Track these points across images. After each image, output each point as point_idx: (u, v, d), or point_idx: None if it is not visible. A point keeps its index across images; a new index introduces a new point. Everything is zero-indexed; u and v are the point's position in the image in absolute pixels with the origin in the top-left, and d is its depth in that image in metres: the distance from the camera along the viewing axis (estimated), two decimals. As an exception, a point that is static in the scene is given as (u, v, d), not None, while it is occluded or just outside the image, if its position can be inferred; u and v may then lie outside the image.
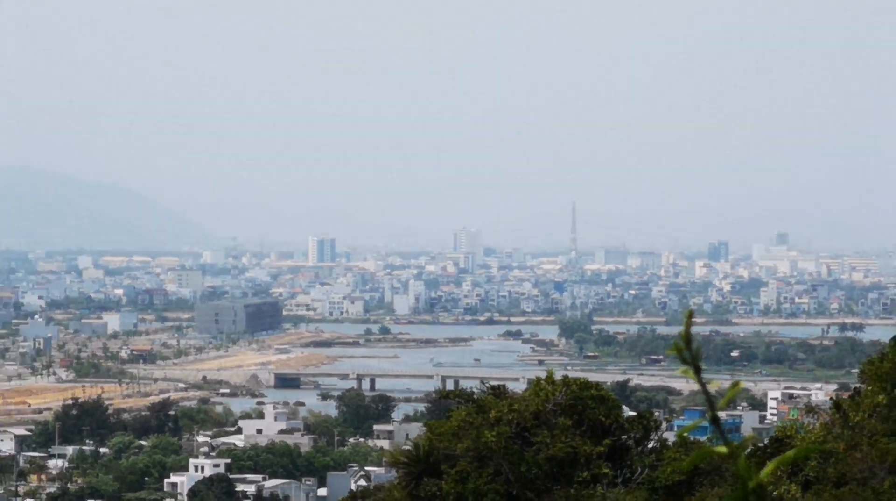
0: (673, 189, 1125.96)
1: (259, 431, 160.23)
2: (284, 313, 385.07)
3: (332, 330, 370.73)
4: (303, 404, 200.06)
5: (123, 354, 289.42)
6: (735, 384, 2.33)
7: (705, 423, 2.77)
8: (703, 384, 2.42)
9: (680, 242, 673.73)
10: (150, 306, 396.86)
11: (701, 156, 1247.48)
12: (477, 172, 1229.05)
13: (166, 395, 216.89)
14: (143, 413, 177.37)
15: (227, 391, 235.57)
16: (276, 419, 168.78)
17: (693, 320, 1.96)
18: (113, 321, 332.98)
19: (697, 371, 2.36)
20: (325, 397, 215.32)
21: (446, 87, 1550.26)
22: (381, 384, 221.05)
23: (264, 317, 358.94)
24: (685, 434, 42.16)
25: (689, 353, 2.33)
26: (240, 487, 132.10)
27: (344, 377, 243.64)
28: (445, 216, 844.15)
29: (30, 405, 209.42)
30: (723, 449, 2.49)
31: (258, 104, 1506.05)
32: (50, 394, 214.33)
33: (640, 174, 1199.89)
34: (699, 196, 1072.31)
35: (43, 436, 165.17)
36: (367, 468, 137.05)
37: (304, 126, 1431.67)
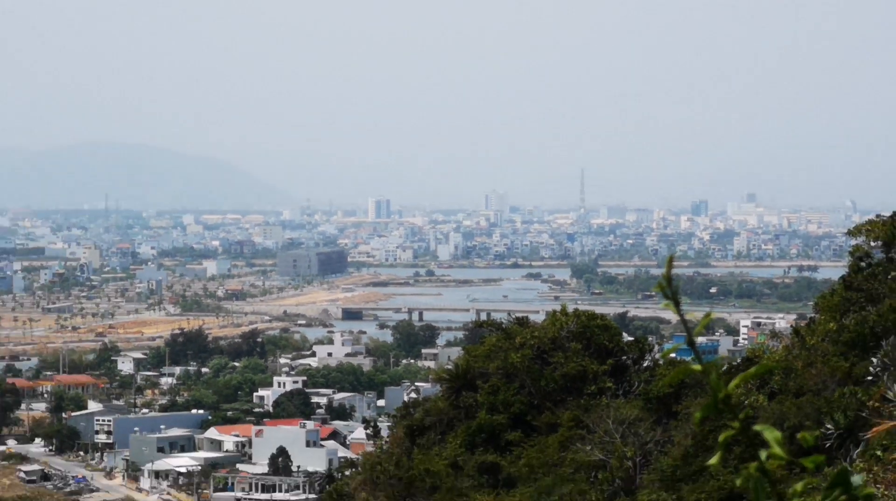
0: (663, 157, 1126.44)
1: (329, 354, 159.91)
2: (349, 259, 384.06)
3: (387, 273, 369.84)
4: (364, 332, 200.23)
5: (220, 293, 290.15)
6: (707, 315, 2.32)
7: (685, 346, 2.81)
8: (681, 315, 2.47)
9: (668, 200, 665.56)
10: (240, 254, 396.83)
11: (685, 129, 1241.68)
12: (504, 143, 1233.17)
13: (254, 326, 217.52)
14: (236, 340, 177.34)
15: (304, 322, 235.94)
16: (343, 344, 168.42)
17: (676, 263, 2.00)
18: (211, 267, 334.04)
19: (676, 305, 2.43)
20: (382, 326, 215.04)
21: (481, 73, 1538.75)
22: (427, 316, 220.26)
23: (333, 263, 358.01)
24: (669, 355, 41.04)
25: (670, 290, 2.40)
26: (314, 399, 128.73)
27: (397, 310, 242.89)
28: (479, 180, 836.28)
29: (144, 335, 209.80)
30: (697, 367, 2.50)
31: (326, 89, 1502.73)
32: (161, 325, 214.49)
33: (636, 144, 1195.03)
34: (684, 163, 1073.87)
35: (156, 359, 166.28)
36: (416, 383, 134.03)
37: (364, 106, 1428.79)
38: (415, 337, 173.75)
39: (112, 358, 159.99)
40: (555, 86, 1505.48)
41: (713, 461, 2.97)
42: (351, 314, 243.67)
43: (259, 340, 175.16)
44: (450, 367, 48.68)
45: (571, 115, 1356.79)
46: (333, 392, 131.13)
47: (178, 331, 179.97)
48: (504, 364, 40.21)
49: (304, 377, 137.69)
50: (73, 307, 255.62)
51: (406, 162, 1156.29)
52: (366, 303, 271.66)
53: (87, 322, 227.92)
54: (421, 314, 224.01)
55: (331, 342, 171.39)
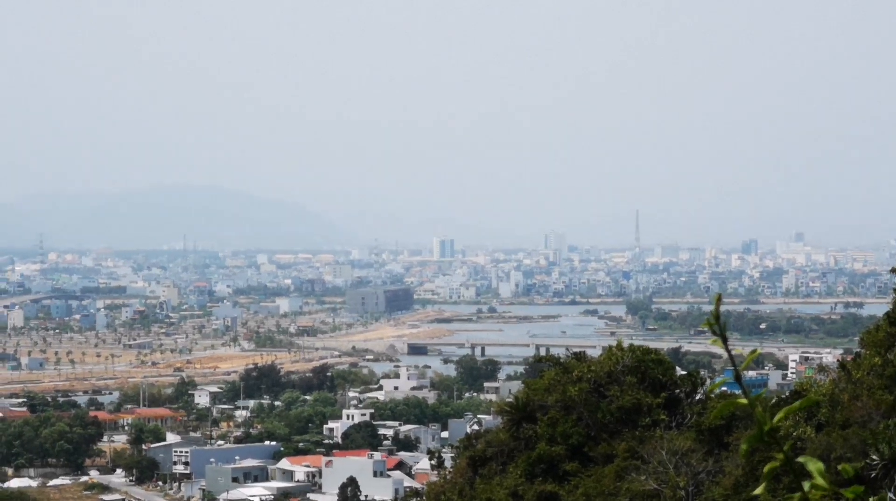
0: (714, 198, 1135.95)
1: (395, 388, 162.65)
2: (414, 297, 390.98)
3: (451, 310, 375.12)
4: (429, 367, 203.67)
5: (291, 329, 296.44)
6: (753, 351, 2.57)
7: (733, 380, 2.84)
8: (728, 350, 2.47)
9: (719, 240, 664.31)
10: (311, 292, 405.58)
11: (737, 171, 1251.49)
12: (563, 185, 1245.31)
13: (324, 361, 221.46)
14: (307, 375, 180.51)
15: (371, 357, 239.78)
16: (408, 378, 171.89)
17: (727, 300, 2.12)
18: (283, 304, 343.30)
19: (724, 340, 2.43)
20: (446, 361, 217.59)
21: (539, 119, 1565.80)
22: (489, 351, 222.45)
23: (399, 300, 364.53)
24: (718, 388, 41.67)
25: (718, 327, 2.39)
26: (381, 431, 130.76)
27: (460, 345, 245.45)
28: (538, 221, 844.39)
29: (220, 369, 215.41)
30: (744, 400, 2.58)
31: (391, 135, 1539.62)
32: (236, 360, 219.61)
33: (689, 185, 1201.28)
34: (735, 204, 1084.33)
35: (231, 393, 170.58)
36: (479, 416, 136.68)
37: (428, 151, 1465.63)
38: (477, 371, 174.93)
39: (189, 392, 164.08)
40: (611, 129, 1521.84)
41: (759, 490, 2.95)
42: (416, 349, 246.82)
43: (329, 374, 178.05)
44: (510, 400, 49.58)
45: (627, 156, 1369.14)
46: (399, 424, 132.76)
47: (252, 366, 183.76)
48: (562, 397, 41.21)
49: (372, 410, 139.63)
50: (153, 343, 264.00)
51: (469, 203, 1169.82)
52: (430, 339, 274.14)
53: (165, 358, 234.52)
54: (483, 350, 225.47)
55: (397, 376, 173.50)
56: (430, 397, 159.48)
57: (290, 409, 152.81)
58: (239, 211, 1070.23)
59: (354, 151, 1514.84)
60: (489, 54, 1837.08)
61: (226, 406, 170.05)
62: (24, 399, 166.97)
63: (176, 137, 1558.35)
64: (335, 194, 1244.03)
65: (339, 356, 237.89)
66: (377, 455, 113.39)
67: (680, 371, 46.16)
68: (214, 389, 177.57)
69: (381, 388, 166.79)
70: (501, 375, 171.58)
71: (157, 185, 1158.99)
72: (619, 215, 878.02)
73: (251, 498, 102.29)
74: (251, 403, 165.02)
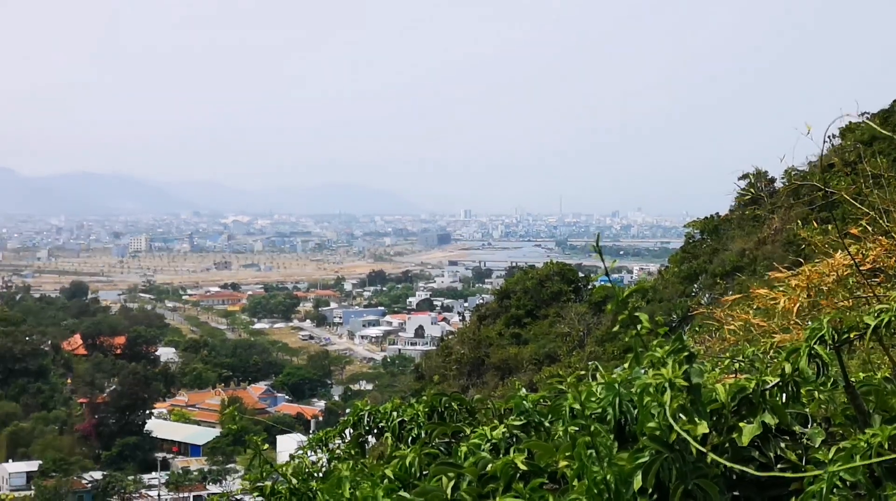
0: (597, 181, 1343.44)
1: (442, 281, 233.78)
2: (452, 238, 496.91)
3: (469, 244, 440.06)
4: (458, 271, 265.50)
5: (391, 252, 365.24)
6: (613, 261, 3.36)
7: (605, 277, 3.30)
8: (603, 261, 2.61)
9: (603, 208, 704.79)
10: (401, 234, 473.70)
11: (618, 164, 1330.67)
12: (523, 168, 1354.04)
13: (408, 268, 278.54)
14: (399, 274, 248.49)
15: (431, 266, 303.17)
16: (448, 276, 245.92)
17: (602, 239, 2.97)
18: (388, 240, 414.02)
19: (601, 257, 2.60)
20: (467, 269, 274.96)
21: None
22: (488, 265, 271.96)
23: (444, 240, 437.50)
24: (597, 280, 59.10)
25: (598, 250, 2.61)
26: (435, 303, 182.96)
27: (474, 262, 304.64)
28: (512, 195, 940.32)
29: (356, 272, 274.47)
30: (611, 287, 2.69)
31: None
32: (365, 267, 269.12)
33: (587, 172, 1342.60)
34: (608, 186, 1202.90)
35: (361, 283, 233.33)
36: (483, 296, 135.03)
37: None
38: (482, 274, 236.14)
39: (342, 282, 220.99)
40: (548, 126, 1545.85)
41: (616, 328, 3.23)
42: (452, 263, 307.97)
43: (410, 274, 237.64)
44: (498, 288, 61.77)
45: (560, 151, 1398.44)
46: (444, 300, 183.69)
47: (372, 271, 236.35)
48: (523, 286, 48.42)
49: (430, 292, 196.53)
50: (324, 259, 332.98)
51: (475, 179, 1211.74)
52: (459, 258, 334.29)
53: (329, 266, 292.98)
54: (484, 264, 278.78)
55: (443, 275, 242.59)
56: (459, 286, 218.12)
57: (391, 291, 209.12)
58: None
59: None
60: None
61: (358, 289, 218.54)
62: (263, 285, 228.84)
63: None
64: (409, 176, 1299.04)
65: (415, 266, 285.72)
66: (433, 314, 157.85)
67: (581, 274, 54.39)
68: (354, 281, 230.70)
69: (434, 281, 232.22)
70: (494, 276, 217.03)
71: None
72: (550, 191, 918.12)
73: (371, 333, 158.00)
74: (372, 288, 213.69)
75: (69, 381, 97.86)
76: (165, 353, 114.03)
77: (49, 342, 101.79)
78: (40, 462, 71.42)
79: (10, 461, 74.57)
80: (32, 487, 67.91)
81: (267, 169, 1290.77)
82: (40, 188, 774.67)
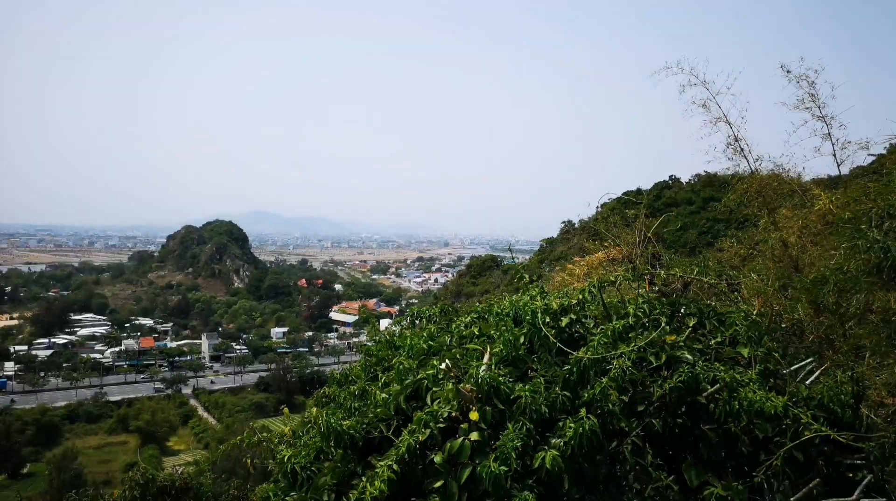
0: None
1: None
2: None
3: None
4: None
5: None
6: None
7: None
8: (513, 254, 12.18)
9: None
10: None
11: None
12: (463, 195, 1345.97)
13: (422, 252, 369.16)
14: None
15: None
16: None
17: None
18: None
19: (511, 251, 12.10)
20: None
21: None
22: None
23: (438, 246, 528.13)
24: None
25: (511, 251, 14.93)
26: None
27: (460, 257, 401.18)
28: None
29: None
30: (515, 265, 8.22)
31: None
32: (412, 254, 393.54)
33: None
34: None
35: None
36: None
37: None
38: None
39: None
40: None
41: (517, 281, 7.33)
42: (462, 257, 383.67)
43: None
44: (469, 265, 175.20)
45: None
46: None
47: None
48: (478, 262, 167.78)
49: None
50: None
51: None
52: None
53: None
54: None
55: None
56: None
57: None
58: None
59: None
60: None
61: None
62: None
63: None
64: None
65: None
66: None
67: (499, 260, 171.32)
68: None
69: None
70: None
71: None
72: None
73: (418, 280, 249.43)
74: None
75: (304, 302, 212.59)
76: (339, 288, 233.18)
77: (293, 281, 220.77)
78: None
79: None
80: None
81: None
82: (291, 222, 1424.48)
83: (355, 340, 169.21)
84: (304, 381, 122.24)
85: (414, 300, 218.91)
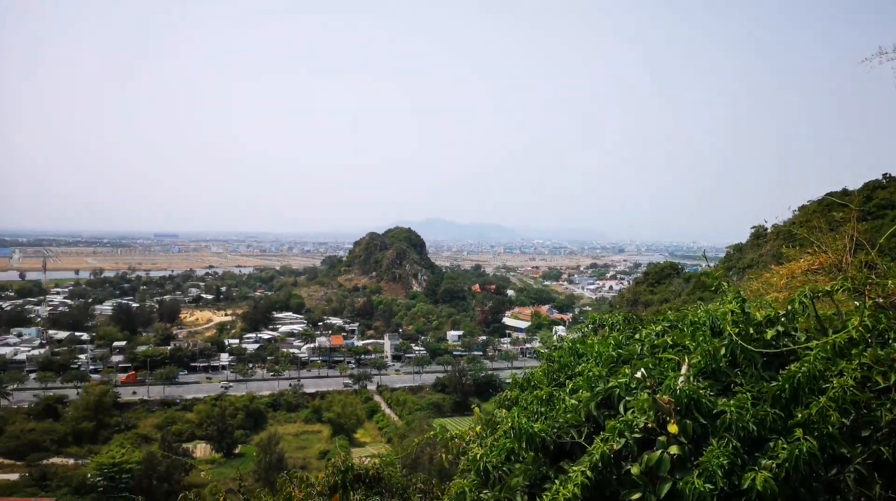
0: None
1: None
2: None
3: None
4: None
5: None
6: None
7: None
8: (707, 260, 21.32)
9: None
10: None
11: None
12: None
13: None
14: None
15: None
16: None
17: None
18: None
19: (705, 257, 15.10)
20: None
21: None
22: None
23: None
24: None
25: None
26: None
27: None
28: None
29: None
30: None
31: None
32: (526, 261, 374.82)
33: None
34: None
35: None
36: None
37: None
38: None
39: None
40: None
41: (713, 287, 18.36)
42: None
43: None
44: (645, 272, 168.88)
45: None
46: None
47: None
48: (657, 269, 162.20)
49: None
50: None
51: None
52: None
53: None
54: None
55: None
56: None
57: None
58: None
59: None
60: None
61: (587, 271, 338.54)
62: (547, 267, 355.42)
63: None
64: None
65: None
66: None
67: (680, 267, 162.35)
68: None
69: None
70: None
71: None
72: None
73: (592, 286, 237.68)
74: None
75: (478, 306, 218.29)
76: (511, 294, 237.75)
77: (467, 286, 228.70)
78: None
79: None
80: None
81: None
82: (465, 228, 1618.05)
83: (528, 345, 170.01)
84: (479, 384, 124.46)
85: (587, 308, 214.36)
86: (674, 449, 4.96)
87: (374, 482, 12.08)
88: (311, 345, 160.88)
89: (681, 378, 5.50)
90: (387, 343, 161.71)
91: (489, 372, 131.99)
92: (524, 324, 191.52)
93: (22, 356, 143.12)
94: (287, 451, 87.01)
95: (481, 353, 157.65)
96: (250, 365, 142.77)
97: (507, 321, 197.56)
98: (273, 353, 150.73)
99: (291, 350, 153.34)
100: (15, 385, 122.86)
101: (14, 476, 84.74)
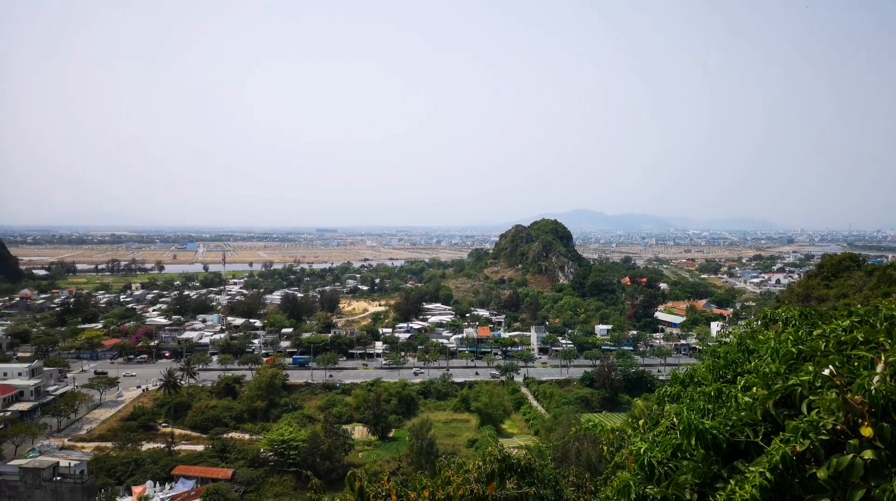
0: None
1: None
2: None
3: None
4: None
5: None
6: None
7: None
8: None
9: None
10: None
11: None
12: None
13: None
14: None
15: None
16: None
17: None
18: None
19: None
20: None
21: None
22: None
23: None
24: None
25: None
26: None
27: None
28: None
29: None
30: None
31: None
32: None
33: None
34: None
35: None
36: None
37: None
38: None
39: None
40: None
41: None
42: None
43: None
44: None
45: None
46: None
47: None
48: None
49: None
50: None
51: None
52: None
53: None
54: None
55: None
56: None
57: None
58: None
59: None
60: None
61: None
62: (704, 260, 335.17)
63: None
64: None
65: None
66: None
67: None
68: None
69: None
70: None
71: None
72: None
73: (756, 281, 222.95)
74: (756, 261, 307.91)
75: (627, 300, 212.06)
76: (664, 287, 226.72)
77: (616, 279, 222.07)
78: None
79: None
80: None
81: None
82: (613, 219, 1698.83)
83: (683, 341, 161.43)
84: (629, 380, 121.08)
85: (750, 303, 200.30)
86: (868, 454, 4.54)
87: (525, 472, 12.21)
88: (459, 336, 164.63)
89: (876, 378, 5.01)
90: (533, 336, 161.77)
91: (640, 368, 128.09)
92: (678, 319, 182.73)
93: (206, 340, 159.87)
94: (437, 438, 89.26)
95: (632, 348, 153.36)
96: (402, 354, 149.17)
97: (660, 315, 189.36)
98: (423, 342, 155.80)
99: (440, 340, 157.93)
100: (200, 366, 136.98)
101: (200, 448, 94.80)
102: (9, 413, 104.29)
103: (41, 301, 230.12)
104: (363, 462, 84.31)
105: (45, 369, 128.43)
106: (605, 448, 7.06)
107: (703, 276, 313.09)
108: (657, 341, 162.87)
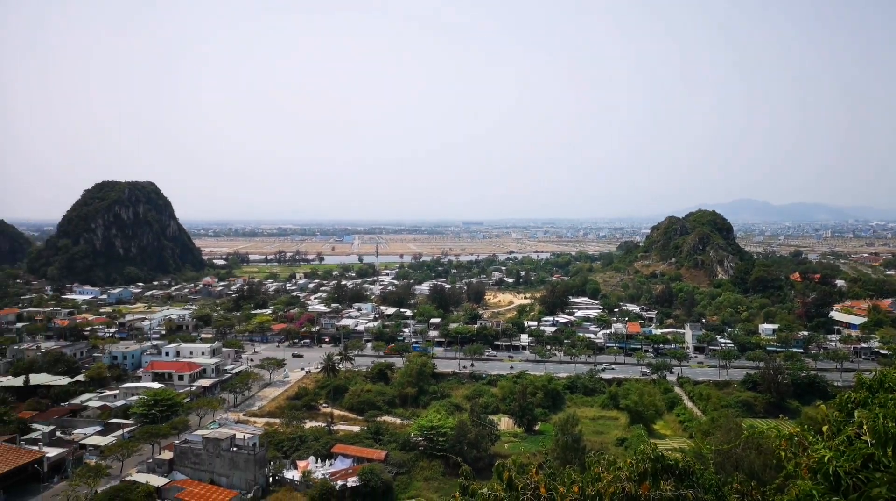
0: None
1: None
2: None
3: None
4: None
5: None
6: None
7: None
8: None
9: None
10: None
11: None
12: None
13: None
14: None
15: None
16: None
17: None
18: None
19: None
20: None
21: None
22: None
23: None
24: None
25: None
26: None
27: None
28: None
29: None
30: None
31: None
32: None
33: None
34: None
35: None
36: None
37: None
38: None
39: None
40: None
41: None
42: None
43: None
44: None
45: None
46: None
47: None
48: None
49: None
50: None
51: None
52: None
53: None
54: None
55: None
56: None
57: None
58: None
59: None
60: None
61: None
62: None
63: None
64: None
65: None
66: None
67: None
68: None
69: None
70: None
71: None
72: None
73: None
74: None
75: (797, 297, 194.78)
76: (841, 284, 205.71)
77: (783, 275, 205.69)
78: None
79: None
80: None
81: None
82: (780, 209, 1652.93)
83: (864, 345, 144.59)
84: (798, 384, 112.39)
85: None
86: None
87: (684, 475, 11.60)
88: (607, 331, 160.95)
89: None
90: (688, 333, 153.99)
91: (811, 372, 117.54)
92: (858, 320, 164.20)
93: (361, 327, 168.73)
94: (584, 434, 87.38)
95: (801, 350, 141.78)
96: (548, 347, 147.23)
97: (836, 315, 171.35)
98: (569, 337, 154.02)
99: (587, 335, 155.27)
100: (356, 352, 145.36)
101: (356, 428, 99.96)
102: (194, 388, 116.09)
103: (220, 288, 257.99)
104: (509, 453, 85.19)
105: (223, 349, 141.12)
106: (782, 453, 6.43)
107: (888, 272, 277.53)
108: (832, 343, 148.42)
